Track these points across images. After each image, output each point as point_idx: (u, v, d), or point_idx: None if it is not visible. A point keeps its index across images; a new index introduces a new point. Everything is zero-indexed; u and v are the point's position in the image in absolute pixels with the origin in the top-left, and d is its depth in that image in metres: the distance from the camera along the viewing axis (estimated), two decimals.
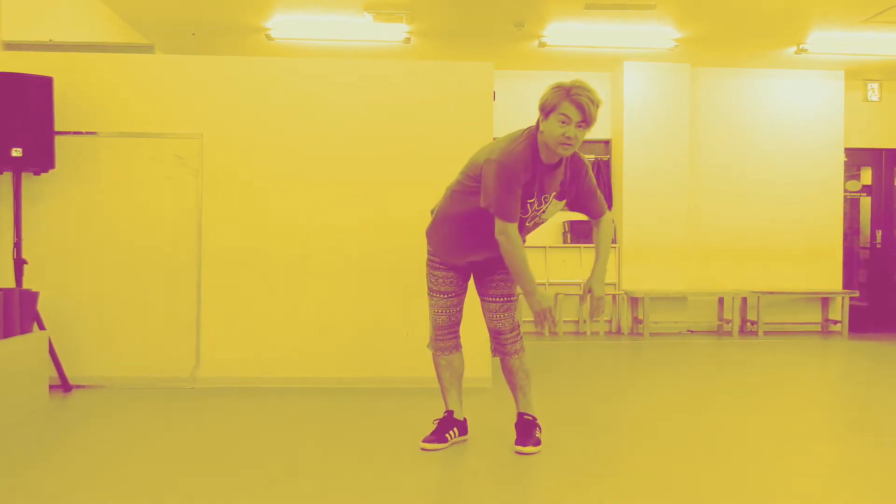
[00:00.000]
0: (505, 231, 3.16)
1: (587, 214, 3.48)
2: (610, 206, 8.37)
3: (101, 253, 4.82)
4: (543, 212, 3.32)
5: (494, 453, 3.40)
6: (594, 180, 3.42)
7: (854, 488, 3.05)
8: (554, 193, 3.29)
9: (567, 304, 8.17)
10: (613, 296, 8.17)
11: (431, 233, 3.52)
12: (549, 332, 2.98)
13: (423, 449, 3.43)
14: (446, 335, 3.54)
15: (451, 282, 3.49)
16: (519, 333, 3.49)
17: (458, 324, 3.56)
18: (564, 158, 3.26)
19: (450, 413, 3.56)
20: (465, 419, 3.61)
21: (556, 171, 3.26)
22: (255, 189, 4.90)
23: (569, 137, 3.09)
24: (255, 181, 4.90)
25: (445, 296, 3.50)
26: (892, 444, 3.71)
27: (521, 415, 3.53)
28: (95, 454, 3.39)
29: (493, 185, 3.13)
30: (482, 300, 3.52)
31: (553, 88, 3.13)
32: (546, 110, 3.13)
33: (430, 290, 3.54)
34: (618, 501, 2.86)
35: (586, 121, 3.10)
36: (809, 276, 8.42)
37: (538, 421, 3.53)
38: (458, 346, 3.59)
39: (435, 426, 3.54)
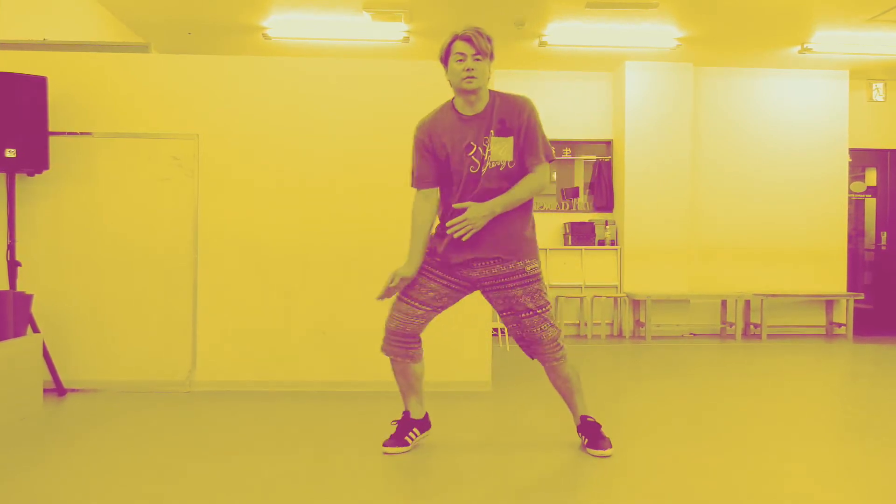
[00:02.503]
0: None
1: (523, 165, 3.27)
2: (611, 208, 8.31)
3: (95, 255, 4.77)
4: (490, 154, 3.22)
5: (490, 457, 3.35)
6: (542, 129, 3.29)
7: (857, 490, 3.01)
8: (493, 131, 3.23)
9: (567, 306, 8.11)
10: (615, 298, 8.12)
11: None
12: (383, 294, 3.28)
13: (385, 453, 3.40)
14: (395, 341, 3.39)
15: (428, 294, 3.33)
16: (558, 340, 3.33)
17: (412, 336, 3.37)
18: (494, 101, 3.25)
19: (406, 414, 3.52)
20: (425, 414, 3.55)
21: (485, 116, 3.24)
22: (252, 190, 4.85)
23: (469, 69, 3.18)
24: (253, 182, 4.85)
25: (412, 303, 3.35)
26: None
27: (583, 418, 3.46)
28: (90, 458, 3.35)
29: (412, 155, 3.36)
30: (514, 318, 3.30)
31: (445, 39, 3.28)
32: (443, 58, 3.27)
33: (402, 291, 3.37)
34: (618, 502, 2.82)
35: (480, 52, 3.19)
36: (813, 279, 8.36)
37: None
38: (411, 356, 3.40)
39: (394, 428, 3.50)
